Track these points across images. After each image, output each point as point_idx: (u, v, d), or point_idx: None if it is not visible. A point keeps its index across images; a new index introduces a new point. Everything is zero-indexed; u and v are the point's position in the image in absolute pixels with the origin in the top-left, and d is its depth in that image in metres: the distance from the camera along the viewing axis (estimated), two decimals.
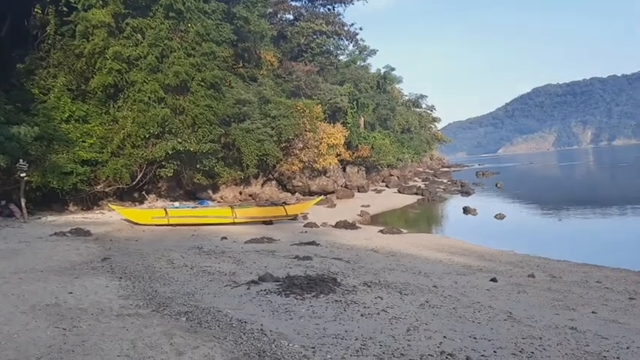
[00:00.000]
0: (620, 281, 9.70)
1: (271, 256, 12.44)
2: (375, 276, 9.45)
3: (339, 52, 48.82)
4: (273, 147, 29.28)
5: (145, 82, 23.08)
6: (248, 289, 8.28)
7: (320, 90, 38.04)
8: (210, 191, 29.62)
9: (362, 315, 6.50)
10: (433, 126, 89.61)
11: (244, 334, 5.60)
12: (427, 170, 72.82)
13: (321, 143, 31.00)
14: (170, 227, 18.97)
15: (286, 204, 21.82)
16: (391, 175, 47.33)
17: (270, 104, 30.41)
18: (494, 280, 9.15)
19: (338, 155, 34.24)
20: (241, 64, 34.18)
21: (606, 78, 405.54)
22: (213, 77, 24.54)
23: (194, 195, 28.61)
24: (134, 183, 23.18)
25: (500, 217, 21.97)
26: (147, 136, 22.65)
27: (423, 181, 51.25)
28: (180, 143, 22.15)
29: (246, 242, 15.38)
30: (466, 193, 37.34)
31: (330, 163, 32.41)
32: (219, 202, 28.42)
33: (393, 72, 62.90)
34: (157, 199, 26.73)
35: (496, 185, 41.56)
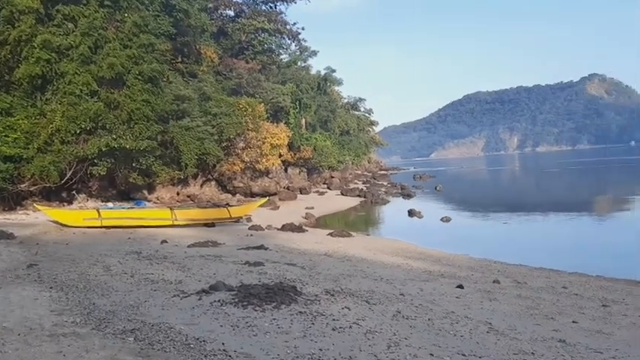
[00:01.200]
0: (585, 287, 9.58)
1: (219, 261, 11.55)
2: (335, 283, 8.81)
3: (281, 51, 48.01)
4: (214, 146, 28.14)
5: (76, 73, 21.49)
6: (199, 299, 7.42)
7: (262, 89, 37.11)
8: (145, 191, 28.06)
9: (333, 329, 5.84)
10: (371, 129, 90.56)
11: (206, 356, 4.80)
12: (366, 173, 73.36)
13: (264, 143, 30.13)
14: (103, 230, 17.59)
15: (229, 206, 20.84)
16: (332, 177, 47.05)
17: (211, 101, 29.25)
18: (460, 286, 8.75)
19: (281, 156, 33.46)
20: (180, 59, 32.75)
21: (532, 87, 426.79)
22: (151, 71, 23.23)
23: (128, 195, 26.99)
24: (63, 182, 21.49)
25: (446, 219, 21.98)
26: (78, 131, 21.07)
27: (363, 183, 51.35)
28: (114, 140, 20.72)
29: (189, 246, 14.37)
30: (407, 195, 37.56)
31: (272, 164, 31.61)
32: (155, 203, 26.95)
33: (334, 74, 62.78)
34: (87, 200, 24.95)
35: (435, 188, 42.13)
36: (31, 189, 20.92)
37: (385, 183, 51.96)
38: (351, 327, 5.91)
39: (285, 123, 37.98)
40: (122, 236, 16.50)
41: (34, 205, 19.46)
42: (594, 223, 22.46)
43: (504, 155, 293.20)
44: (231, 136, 29.03)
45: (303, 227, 19.84)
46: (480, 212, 26.50)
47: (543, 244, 16.58)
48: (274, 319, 6.31)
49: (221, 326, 5.99)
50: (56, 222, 17.77)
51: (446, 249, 14.91)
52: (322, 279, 9.24)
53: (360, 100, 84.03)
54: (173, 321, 6.16)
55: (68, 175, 21.27)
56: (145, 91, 23.04)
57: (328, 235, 17.84)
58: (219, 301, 7.31)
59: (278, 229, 19.49)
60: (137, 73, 22.85)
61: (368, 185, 47.02)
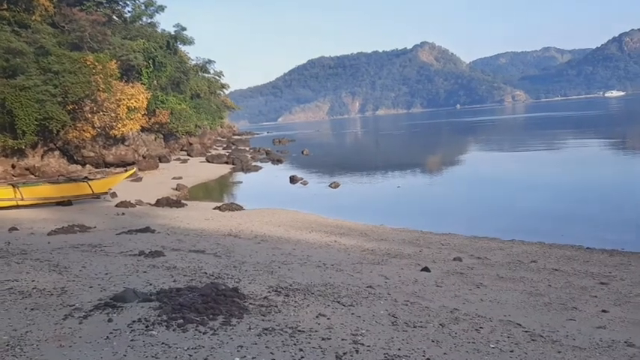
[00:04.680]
0: (554, 259, 8.89)
1: (101, 253, 9.08)
2: (274, 276, 7.09)
3: (126, 2, 42.90)
4: (57, 109, 23.97)
5: None
6: (109, 320, 5.25)
7: (109, 44, 32.63)
8: None
9: (337, 358, 4.20)
10: (222, 92, 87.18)
11: None
12: (220, 138, 70.57)
13: (118, 106, 26.38)
14: None
15: (89, 179, 17.57)
16: (191, 144, 43.93)
17: (50, 57, 24.75)
18: (426, 269, 7.55)
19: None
20: (6, 6, 27.29)
21: (370, 53, 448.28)
22: None
23: None
24: None
25: (335, 185, 20.91)
26: None
27: (224, 149, 48.92)
28: None
29: (49, 234, 11.49)
30: (277, 161, 36.15)
31: (130, 130, 27.98)
32: None
33: (184, 32, 58.34)
34: None
35: (302, 153, 41.21)
36: None
37: (247, 148, 50.02)
38: (357, 350, 4.31)
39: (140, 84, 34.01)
40: None
41: None
42: (477, 181, 22.80)
43: (348, 119, 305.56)
44: (79, 98, 24.94)
45: (182, 201, 17.45)
46: (362, 176, 25.99)
47: (445, 207, 16.23)
48: (240, 346, 4.48)
49: None
50: None
51: (356, 219, 13.77)
52: (253, 271, 7.44)
53: (210, 62, 79.79)
54: None
55: None
56: None
57: (215, 209, 15.75)
58: (139, 320, 5.20)
59: (152, 205, 16.90)
60: None
61: (230, 151, 44.68)
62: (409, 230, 11.93)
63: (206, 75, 78.10)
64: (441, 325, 4.90)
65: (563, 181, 19.57)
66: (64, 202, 16.42)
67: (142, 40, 37.72)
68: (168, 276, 7.25)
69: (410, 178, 24.50)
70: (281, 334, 4.74)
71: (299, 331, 4.85)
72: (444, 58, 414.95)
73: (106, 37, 32.79)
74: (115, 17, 38.47)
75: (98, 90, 25.47)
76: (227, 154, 40.03)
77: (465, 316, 5.21)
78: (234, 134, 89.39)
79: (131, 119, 27.31)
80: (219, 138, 69.21)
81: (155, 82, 39.91)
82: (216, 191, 24.39)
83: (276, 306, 5.69)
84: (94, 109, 25.90)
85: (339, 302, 5.74)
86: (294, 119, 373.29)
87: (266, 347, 4.48)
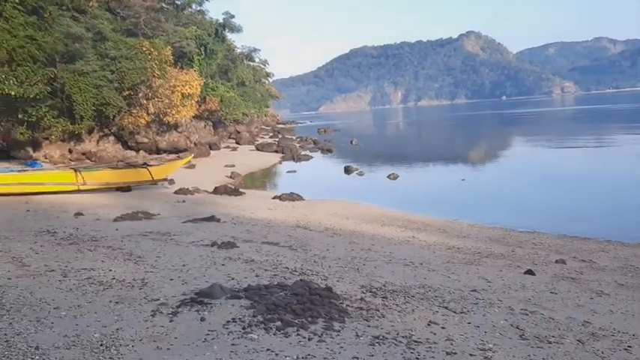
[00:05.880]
0: None
1: (172, 243, 8.82)
2: (364, 275, 6.61)
3: None
4: (114, 95, 24.07)
5: None
6: (201, 319, 4.88)
7: (163, 31, 32.72)
8: (29, 149, 23.54)
9: None
10: (266, 81, 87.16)
11: None
12: (265, 127, 70.63)
13: (173, 92, 26.36)
14: None
15: (148, 165, 17.51)
16: (239, 132, 43.96)
17: (108, 42, 24.86)
18: (530, 272, 6.95)
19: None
20: None
21: (414, 43, 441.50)
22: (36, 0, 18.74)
23: (7, 154, 22.41)
24: None
25: (393, 177, 20.28)
26: None
27: (270, 137, 48.80)
28: None
29: (115, 220, 11.33)
30: (327, 150, 35.69)
31: (184, 116, 28.00)
32: (44, 162, 22.64)
33: (233, 20, 58.29)
34: None
35: (351, 143, 40.60)
36: None
37: (293, 137, 49.75)
38: None
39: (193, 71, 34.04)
40: (17, 208, 12.92)
41: None
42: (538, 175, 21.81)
43: (390, 109, 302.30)
44: (134, 84, 25.02)
45: (240, 190, 17.19)
46: (418, 168, 25.20)
47: (518, 203, 15.27)
48: (355, 358, 4.01)
49: None
50: None
51: (424, 212, 13.16)
52: (337, 268, 6.99)
53: (255, 50, 79.79)
54: None
55: None
56: (28, 25, 18.63)
57: (275, 198, 15.40)
58: (234, 321, 4.82)
59: (209, 193, 16.70)
60: (17, 2, 18.31)
61: (277, 139, 44.49)
62: (490, 227, 11.24)
63: (251, 63, 78.29)
64: (579, 341, 4.31)
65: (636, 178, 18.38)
66: (124, 188, 16.39)
67: (194, 27, 37.74)
68: (249, 270, 6.88)
69: (472, 171, 23.61)
70: (396, 345, 4.26)
71: (415, 341, 4.35)
72: (491, 48, 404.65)
73: (160, 24, 32.90)
74: (164, 5, 38.54)
75: (153, 76, 25.48)
76: (275, 142, 39.82)
77: (602, 331, 4.61)
78: (277, 123, 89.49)
79: (184, 106, 27.30)
80: (263, 127, 69.28)
81: (206, 69, 39.98)
82: (269, 180, 24.13)
83: (377, 309, 5.22)
84: (149, 95, 25.96)
85: (446, 308, 5.22)
86: (335, 109, 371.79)
87: (382, 357, 4.01)
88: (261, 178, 24.23)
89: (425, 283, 6.17)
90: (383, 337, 4.42)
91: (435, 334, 4.52)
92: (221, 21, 57.58)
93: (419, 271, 6.80)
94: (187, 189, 16.45)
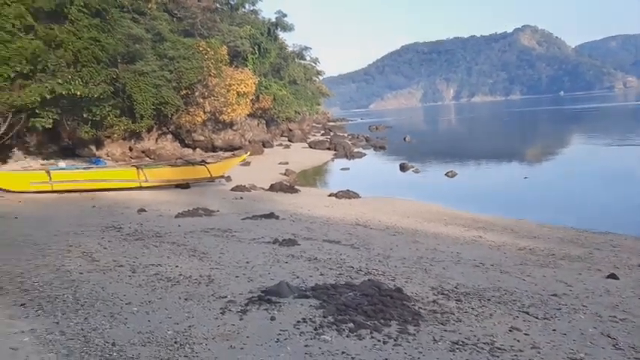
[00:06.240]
0: None
1: (234, 239, 8.84)
2: (433, 277, 6.39)
3: None
4: (172, 94, 24.59)
5: (5, 4, 17.39)
6: (271, 319, 4.80)
7: (218, 31, 33.22)
8: (93, 147, 24.41)
9: None
10: (317, 79, 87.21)
11: None
12: (316, 124, 70.68)
13: (228, 91, 26.72)
14: (56, 195, 14.34)
15: (206, 163, 17.79)
16: (291, 130, 44.17)
17: (166, 43, 25.44)
18: (613, 276, 6.55)
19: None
20: None
21: (467, 38, 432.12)
22: (99, 2, 19.32)
23: (73, 152, 23.30)
24: None
25: (451, 174, 19.79)
26: (12, 75, 17.21)
27: (322, 135, 48.81)
28: (61, 85, 17.01)
29: (176, 216, 11.52)
30: (380, 147, 35.34)
31: (239, 115, 28.34)
32: (106, 159, 23.41)
33: (285, 19, 58.59)
34: (24, 158, 21.20)
35: (404, 139, 40.06)
36: None
37: (344, 135, 49.56)
38: None
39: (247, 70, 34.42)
40: (83, 204, 13.36)
41: None
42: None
43: (442, 106, 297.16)
44: (191, 83, 25.49)
45: (295, 187, 17.20)
46: (476, 165, 24.49)
47: (586, 203, 14.53)
48: None
49: None
50: None
51: (486, 212, 12.72)
52: (404, 268, 6.79)
53: (306, 48, 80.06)
54: None
55: (3, 129, 17.48)
56: (92, 27, 19.24)
57: (331, 195, 15.32)
58: (304, 321, 4.72)
59: (265, 190, 16.78)
60: (82, 4, 18.93)
61: (329, 137, 44.42)
62: (561, 228, 10.72)
63: (302, 62, 78.54)
64: None
65: None
66: (182, 185, 16.71)
67: (248, 27, 38.16)
68: (313, 268, 6.78)
69: (534, 168, 22.72)
70: (478, 352, 4.04)
71: (498, 348, 4.11)
72: (548, 42, 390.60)
73: (215, 24, 33.43)
74: (219, 5, 39.13)
75: (209, 75, 25.91)
76: (327, 140, 39.77)
77: None
78: (328, 120, 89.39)
79: (239, 104, 27.62)
80: (314, 124, 69.36)
81: (259, 68, 40.35)
82: (323, 177, 24.09)
83: (452, 313, 5.00)
84: (205, 94, 26.42)
85: (527, 313, 4.95)
86: (385, 106, 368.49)
87: None
88: (315, 176, 24.21)
89: (499, 286, 5.89)
90: (463, 342, 4.22)
91: (518, 341, 4.27)
92: (273, 20, 58.10)
93: (491, 273, 6.51)
94: (244, 186, 16.59)
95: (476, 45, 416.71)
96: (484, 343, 4.19)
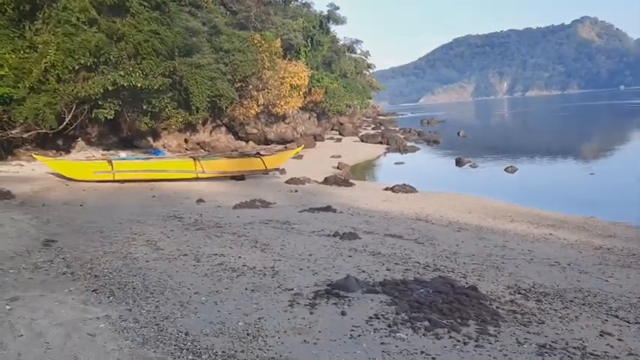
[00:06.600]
0: None
1: (294, 232, 8.76)
2: (506, 275, 6.11)
3: None
4: (227, 86, 24.80)
5: None
6: (342, 314, 4.67)
7: (272, 24, 33.33)
8: (150, 139, 24.96)
9: None
10: (367, 72, 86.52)
11: None
12: (366, 118, 70.17)
13: (282, 84, 26.78)
14: (117, 185, 14.68)
15: (261, 155, 17.86)
16: (342, 124, 43.98)
17: (222, 36, 25.68)
18: None
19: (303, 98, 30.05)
20: None
21: (522, 30, 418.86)
22: None
23: (131, 143, 23.89)
24: (61, 127, 18.29)
25: (511, 170, 19.15)
26: (76, 67, 17.75)
27: (373, 129, 48.41)
28: (123, 77, 17.41)
29: (234, 207, 11.56)
30: (434, 142, 34.70)
31: (292, 107, 28.37)
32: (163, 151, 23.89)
33: (337, 11, 58.31)
34: (86, 148, 21.88)
35: (458, 134, 39.14)
36: (23, 136, 17.77)
37: (396, 129, 48.97)
38: None
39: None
40: (144, 194, 13.61)
41: (33, 154, 16.37)
42: None
43: (494, 100, 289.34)
44: (246, 76, 25.66)
45: (350, 180, 17.03)
46: (536, 160, 23.51)
47: None
48: None
49: None
50: (60, 175, 14.79)
51: (552, 208, 12.16)
52: (474, 265, 6.52)
53: (357, 41, 79.50)
54: None
55: (67, 120, 18.07)
56: (152, 20, 19.58)
57: (387, 189, 15.06)
58: (377, 317, 4.56)
59: (319, 183, 16.67)
60: None
61: (381, 131, 43.97)
62: (636, 227, 10.10)
63: (353, 55, 78.04)
64: None
65: None
66: (238, 177, 16.82)
67: (301, 19, 38.14)
68: (378, 263, 6.61)
69: (599, 164, 21.65)
70: (570, 357, 3.78)
71: (591, 354, 3.83)
72: (608, 34, 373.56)
73: (269, 17, 33.55)
74: None
75: (264, 68, 26.01)
76: (379, 133, 39.37)
77: None
78: (378, 114, 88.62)
79: (292, 97, 27.64)
80: (364, 118, 68.88)
81: (311, 61, 40.31)
82: (377, 171, 23.84)
83: (534, 314, 4.73)
84: (259, 86, 26.56)
85: (616, 317, 4.63)
86: (436, 100, 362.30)
87: None
88: (368, 169, 23.96)
89: (580, 287, 5.56)
90: (550, 346, 3.95)
91: (612, 346, 3.98)
92: (325, 13, 57.98)
93: (569, 273, 6.17)
94: (298, 179, 16.54)
95: (532, 37, 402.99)
96: (574, 348, 3.91)
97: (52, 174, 15.12)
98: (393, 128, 49.62)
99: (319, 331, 4.24)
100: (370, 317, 4.56)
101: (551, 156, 24.94)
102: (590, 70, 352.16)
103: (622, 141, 33.19)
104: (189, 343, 3.90)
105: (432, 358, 3.75)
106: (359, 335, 4.16)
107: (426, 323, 4.40)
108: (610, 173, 18.68)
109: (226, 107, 26.11)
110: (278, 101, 26.90)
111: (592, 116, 66.22)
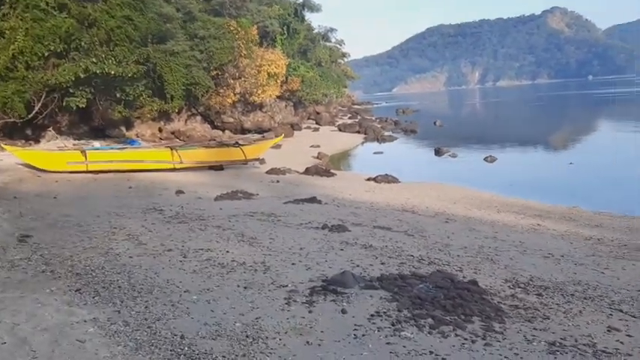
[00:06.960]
0: None
1: (281, 224, 8.53)
2: (502, 267, 6.01)
3: None
4: (203, 74, 24.31)
5: None
6: (342, 312, 4.48)
7: (247, 10, 32.77)
8: (123, 128, 24.32)
9: None
10: (342, 61, 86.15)
11: None
12: (341, 107, 69.92)
13: (259, 72, 26.35)
14: (91, 176, 14.19)
15: (240, 145, 17.50)
16: (318, 113, 43.68)
17: (197, 22, 25.10)
18: None
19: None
20: None
21: (494, 20, 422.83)
22: None
23: (103, 132, 23.22)
24: (30, 116, 17.64)
25: (490, 159, 19.18)
26: (45, 54, 17.12)
27: (349, 118, 48.25)
28: (95, 64, 16.81)
29: (216, 199, 11.27)
30: (411, 131, 34.70)
31: (269, 96, 27.97)
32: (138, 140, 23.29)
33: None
34: (56, 138, 21.16)
35: (435, 124, 39.21)
36: None
37: (372, 118, 48.89)
38: None
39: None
40: (120, 185, 13.19)
41: (1, 144, 15.71)
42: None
43: (467, 90, 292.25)
44: (222, 64, 25.17)
45: (330, 170, 16.84)
46: (515, 150, 23.59)
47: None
48: None
49: None
50: (30, 166, 14.23)
51: (534, 198, 12.16)
52: (469, 257, 6.41)
53: (332, 30, 78.92)
54: None
55: (37, 108, 17.42)
56: (125, 5, 18.99)
57: (369, 180, 14.92)
58: (378, 314, 4.38)
59: (300, 173, 16.44)
60: None
61: (358, 120, 43.82)
62: (621, 216, 10.13)
63: (327, 44, 77.51)
64: None
65: None
66: (216, 167, 16.46)
67: (277, 7, 37.59)
68: (371, 256, 6.44)
69: (578, 154, 21.81)
70: (582, 355, 3.64)
71: (602, 351, 3.72)
72: (577, 25, 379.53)
73: (245, 4, 32.97)
74: None
75: (240, 55, 25.54)
76: (356, 123, 39.21)
77: None
78: (353, 104, 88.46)
79: (270, 85, 27.24)
80: (340, 107, 68.64)
81: (287, 49, 39.81)
82: (356, 161, 23.68)
83: (537, 309, 4.61)
84: (236, 74, 26.08)
85: (621, 311, 4.53)
86: (409, 89, 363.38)
87: None
88: (348, 159, 23.80)
89: (578, 280, 5.48)
90: (560, 343, 3.83)
91: (622, 343, 3.88)
92: (300, 0, 57.29)
93: (564, 265, 6.10)
94: (279, 169, 16.29)
95: (503, 27, 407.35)
96: (584, 345, 3.80)
97: (22, 165, 14.53)
98: (369, 117, 49.50)
99: (321, 331, 4.04)
100: (372, 315, 4.38)
101: (529, 145, 25.15)
102: (560, 61, 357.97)
103: (596, 129, 33.77)
104: (185, 348, 3.65)
105: (443, 358, 3.59)
106: (363, 335, 3.97)
107: (430, 320, 4.24)
108: (589, 163, 18.87)
109: (202, 95, 25.58)
110: (255, 90, 26.49)
111: (564, 106, 67.30)
